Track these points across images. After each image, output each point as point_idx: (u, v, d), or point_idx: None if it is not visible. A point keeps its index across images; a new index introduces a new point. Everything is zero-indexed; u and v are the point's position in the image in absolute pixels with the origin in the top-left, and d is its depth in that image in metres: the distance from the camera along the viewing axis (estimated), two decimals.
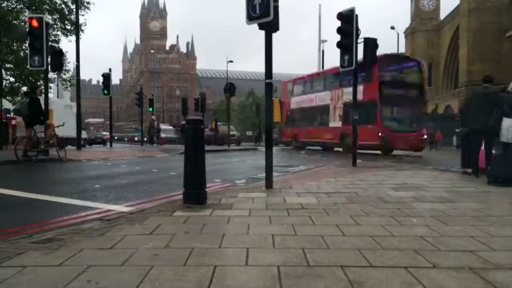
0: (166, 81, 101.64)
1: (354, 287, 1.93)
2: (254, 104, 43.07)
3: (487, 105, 6.68)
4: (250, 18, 5.27)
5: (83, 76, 19.66)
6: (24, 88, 22.05)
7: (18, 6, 20.24)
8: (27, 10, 20.11)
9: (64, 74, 21.74)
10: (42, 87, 14.24)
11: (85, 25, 20.70)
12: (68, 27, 20.61)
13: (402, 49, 52.14)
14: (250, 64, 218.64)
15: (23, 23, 17.35)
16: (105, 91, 21.30)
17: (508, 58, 33.71)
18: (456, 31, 44.73)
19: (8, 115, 28.61)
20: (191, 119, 4.36)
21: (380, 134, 16.18)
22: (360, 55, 9.28)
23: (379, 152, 17.45)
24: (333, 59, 10.69)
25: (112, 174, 8.36)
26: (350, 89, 10.77)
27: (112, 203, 4.75)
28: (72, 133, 17.58)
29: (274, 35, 5.43)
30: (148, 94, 42.64)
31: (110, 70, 22.45)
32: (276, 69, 6.75)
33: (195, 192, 4.13)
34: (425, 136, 18.32)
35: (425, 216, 3.63)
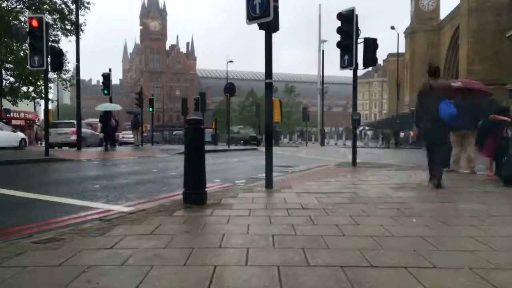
0: (166, 81, 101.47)
1: (354, 287, 1.93)
2: (254, 104, 42.97)
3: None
4: (250, 18, 5.27)
5: (83, 76, 19.60)
6: (24, 88, 22.06)
7: (18, 6, 20.28)
8: (27, 10, 20.15)
9: (64, 74, 21.78)
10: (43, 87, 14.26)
11: (85, 25, 20.78)
12: (68, 27, 20.65)
13: (402, 49, 52.24)
14: (250, 64, 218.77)
15: (23, 23, 17.37)
16: (105, 91, 21.23)
17: (508, 58, 33.61)
18: (456, 31, 44.66)
19: (8, 115, 28.49)
20: (191, 119, 4.36)
21: None
22: (360, 55, 9.26)
23: None
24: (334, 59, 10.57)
25: (112, 174, 8.36)
26: None
27: (112, 203, 4.74)
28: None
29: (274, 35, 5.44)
30: (148, 94, 42.58)
31: (110, 70, 22.40)
32: (276, 69, 6.74)
33: (195, 192, 4.12)
34: None
35: (425, 216, 3.63)
